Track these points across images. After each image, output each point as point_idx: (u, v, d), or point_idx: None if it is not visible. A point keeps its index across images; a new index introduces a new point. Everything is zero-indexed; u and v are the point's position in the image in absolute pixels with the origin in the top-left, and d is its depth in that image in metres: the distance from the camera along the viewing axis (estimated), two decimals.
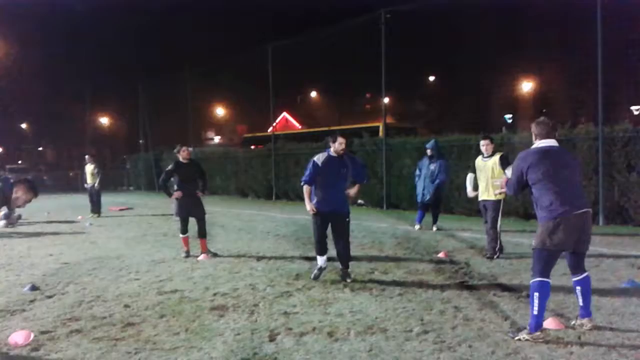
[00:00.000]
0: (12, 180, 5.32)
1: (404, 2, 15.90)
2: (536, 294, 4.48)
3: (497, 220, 8.04)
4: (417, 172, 11.49)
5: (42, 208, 19.14)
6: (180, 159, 8.93)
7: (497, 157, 8.08)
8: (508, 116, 40.68)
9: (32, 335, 4.82)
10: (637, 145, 10.79)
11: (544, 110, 40.65)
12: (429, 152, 11.22)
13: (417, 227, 11.29)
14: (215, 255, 8.79)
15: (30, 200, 5.22)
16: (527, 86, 40.18)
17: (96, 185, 16.28)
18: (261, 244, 10.03)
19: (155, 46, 46.81)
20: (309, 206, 6.82)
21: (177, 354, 4.43)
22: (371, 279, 6.88)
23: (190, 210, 8.88)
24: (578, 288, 4.78)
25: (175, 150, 9.07)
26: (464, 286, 6.36)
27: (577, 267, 4.80)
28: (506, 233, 10.36)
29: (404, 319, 5.14)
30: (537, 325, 4.47)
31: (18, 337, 4.72)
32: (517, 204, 12.54)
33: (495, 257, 7.97)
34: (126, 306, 5.88)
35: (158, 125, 32.50)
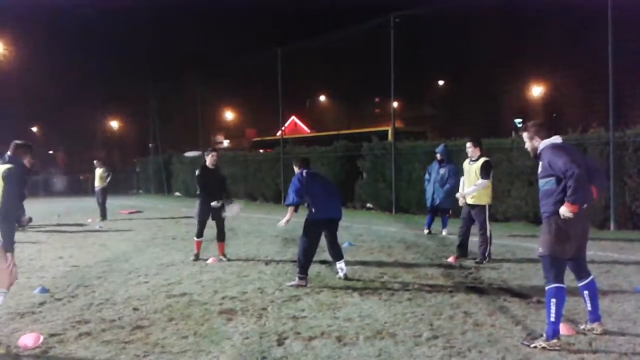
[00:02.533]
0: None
1: (413, 6, 15.90)
2: (553, 300, 4.40)
3: (485, 224, 7.99)
4: (427, 176, 11.46)
5: (52, 211, 19.27)
6: (208, 163, 8.93)
7: (480, 163, 8.10)
8: (518, 120, 40.48)
9: (42, 338, 4.83)
10: None
11: (555, 115, 40.51)
12: (438, 156, 11.19)
13: (426, 231, 11.25)
14: (228, 260, 8.77)
15: None
16: (537, 90, 40.01)
17: (103, 185, 16.30)
18: (270, 247, 10.03)
19: (166, 50, 47.06)
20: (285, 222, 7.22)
21: (185, 357, 4.43)
22: (380, 283, 6.85)
23: (212, 213, 8.83)
24: (585, 292, 4.71)
25: (206, 154, 9.18)
26: (473, 291, 6.31)
27: (580, 270, 4.73)
28: (515, 238, 10.33)
29: (413, 324, 5.11)
30: (555, 332, 4.36)
31: (28, 340, 4.73)
32: (527, 208, 12.47)
33: (484, 261, 7.91)
34: (135, 309, 5.89)
35: (168, 129, 32.65)
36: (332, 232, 7.20)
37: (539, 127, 4.76)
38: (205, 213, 8.79)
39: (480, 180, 7.98)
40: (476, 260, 8.02)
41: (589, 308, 4.71)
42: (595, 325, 4.69)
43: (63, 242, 11.44)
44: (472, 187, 8.05)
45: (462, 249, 8.35)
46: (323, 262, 8.05)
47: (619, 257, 8.21)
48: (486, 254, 7.99)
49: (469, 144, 8.33)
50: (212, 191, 8.77)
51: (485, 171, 8.03)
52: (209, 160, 8.91)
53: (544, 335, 4.41)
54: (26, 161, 4.97)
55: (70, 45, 45.76)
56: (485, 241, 7.98)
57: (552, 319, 4.37)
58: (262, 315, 5.53)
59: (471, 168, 8.21)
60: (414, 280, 6.99)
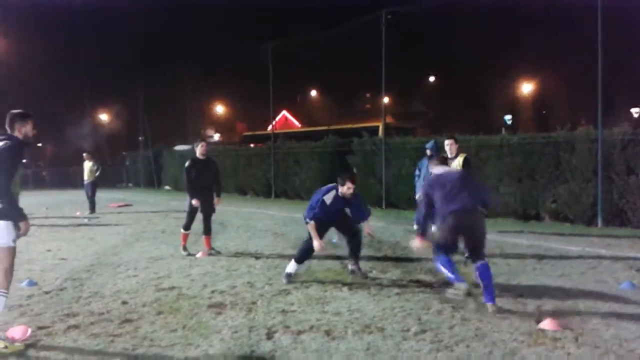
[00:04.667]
0: None
1: (405, 3, 15.92)
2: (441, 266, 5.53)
3: None
4: (417, 172, 11.46)
5: (41, 204, 19.15)
6: (198, 154, 8.81)
7: (461, 159, 8.18)
8: (508, 117, 40.72)
9: (30, 331, 4.81)
10: (636, 148, 10.78)
11: (544, 112, 40.78)
12: (428, 152, 11.20)
13: (415, 227, 11.26)
14: (218, 252, 8.76)
15: None
16: (527, 87, 40.22)
17: (93, 178, 16.23)
18: (260, 242, 10.03)
19: (156, 43, 46.78)
20: (317, 243, 6.59)
21: (174, 350, 4.43)
22: (369, 278, 6.88)
23: (201, 207, 8.75)
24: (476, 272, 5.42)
25: (194, 145, 9.02)
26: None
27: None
28: (504, 234, 10.39)
29: (401, 318, 5.14)
30: (457, 279, 5.33)
31: (16, 333, 4.71)
32: (516, 204, 12.56)
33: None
34: (124, 302, 5.88)
35: (158, 123, 32.53)
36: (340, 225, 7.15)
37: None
38: (194, 206, 8.74)
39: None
40: (465, 256, 8.00)
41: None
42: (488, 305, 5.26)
43: (52, 235, 11.38)
44: None
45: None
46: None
47: (606, 253, 8.29)
48: None
49: (449, 141, 8.49)
50: (204, 183, 8.69)
51: (469, 166, 8.16)
52: (199, 150, 8.80)
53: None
54: (25, 130, 4.77)
55: (59, 37, 45.40)
56: None
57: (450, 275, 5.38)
58: (252, 309, 5.54)
59: (450, 165, 8.25)
60: (402, 275, 7.02)
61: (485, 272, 5.31)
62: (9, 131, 4.72)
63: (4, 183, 4.46)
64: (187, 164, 8.78)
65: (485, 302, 5.28)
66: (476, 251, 5.43)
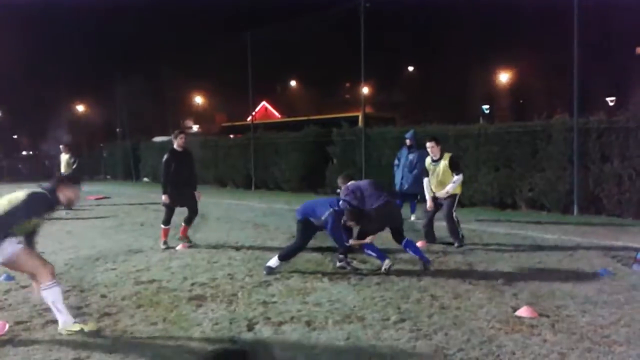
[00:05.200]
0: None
1: None
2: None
3: (452, 214, 8.14)
4: (396, 161, 11.53)
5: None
6: (176, 146, 8.65)
7: (446, 161, 8.23)
8: (485, 107, 41.05)
9: (7, 326, 4.76)
10: (611, 137, 10.96)
11: (522, 101, 41.17)
12: (408, 142, 11.27)
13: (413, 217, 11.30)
14: (194, 245, 8.70)
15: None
16: (504, 77, 40.53)
17: (70, 171, 16.01)
18: (240, 233, 10.02)
19: (133, 34, 46.11)
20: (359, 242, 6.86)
21: (154, 344, 4.43)
22: (350, 268, 6.91)
23: (182, 201, 8.65)
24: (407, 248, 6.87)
25: (173, 136, 8.82)
26: (440, 275, 6.43)
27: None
28: (482, 222, 10.52)
29: (381, 308, 5.19)
30: (381, 256, 6.64)
31: None
32: (493, 193, 12.70)
33: (462, 245, 8.06)
34: (103, 296, 5.84)
35: (136, 114, 32.13)
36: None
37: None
38: (174, 200, 8.61)
39: (456, 177, 8.13)
40: (456, 245, 8.08)
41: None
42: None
43: None
44: (449, 185, 8.12)
45: (430, 236, 8.47)
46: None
47: (581, 241, 8.43)
48: (460, 236, 8.13)
49: (430, 143, 8.35)
50: (183, 176, 8.56)
51: (456, 166, 8.21)
52: (177, 142, 8.64)
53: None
54: (69, 196, 4.91)
55: (35, 29, 44.55)
56: (455, 227, 8.12)
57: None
58: (232, 301, 5.55)
59: (436, 168, 8.29)
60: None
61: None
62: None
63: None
64: (165, 156, 8.59)
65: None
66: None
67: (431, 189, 8.39)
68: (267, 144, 19.94)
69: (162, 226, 8.74)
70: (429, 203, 8.41)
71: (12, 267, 4.70)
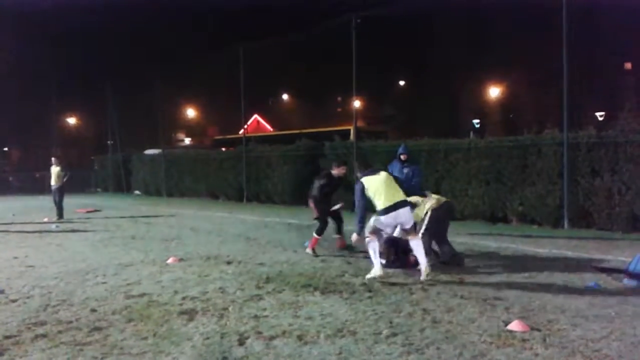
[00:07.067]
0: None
1: (375, 6, 16.05)
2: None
3: (422, 231, 7.87)
4: None
5: (8, 209, 18.75)
6: (335, 173, 9.26)
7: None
8: (476, 121, 41.30)
9: None
10: (601, 151, 11.05)
11: (511, 116, 41.45)
12: (402, 157, 11.20)
13: None
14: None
15: None
16: (494, 92, 40.83)
17: (60, 183, 15.95)
18: (231, 246, 9.99)
19: (125, 46, 46.12)
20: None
21: (145, 358, 4.39)
22: (342, 281, 6.91)
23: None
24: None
25: (335, 164, 9.41)
26: (432, 289, 6.43)
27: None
28: (473, 236, 10.54)
29: (373, 322, 5.18)
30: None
31: None
32: (484, 207, 12.74)
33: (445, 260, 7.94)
34: (93, 310, 5.79)
35: (127, 126, 32.07)
36: None
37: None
38: (325, 214, 9.34)
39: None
40: (440, 260, 7.99)
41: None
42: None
43: (18, 241, 11.15)
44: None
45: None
46: (278, 261, 8.04)
47: (572, 254, 8.47)
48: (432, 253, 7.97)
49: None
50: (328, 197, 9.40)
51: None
52: (338, 171, 9.30)
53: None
54: None
55: (25, 39, 44.42)
56: (430, 245, 7.91)
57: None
58: (223, 315, 5.52)
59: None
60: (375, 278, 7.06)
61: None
62: None
63: None
64: (323, 182, 9.31)
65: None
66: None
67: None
68: (259, 157, 19.95)
69: (315, 235, 9.13)
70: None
71: None
